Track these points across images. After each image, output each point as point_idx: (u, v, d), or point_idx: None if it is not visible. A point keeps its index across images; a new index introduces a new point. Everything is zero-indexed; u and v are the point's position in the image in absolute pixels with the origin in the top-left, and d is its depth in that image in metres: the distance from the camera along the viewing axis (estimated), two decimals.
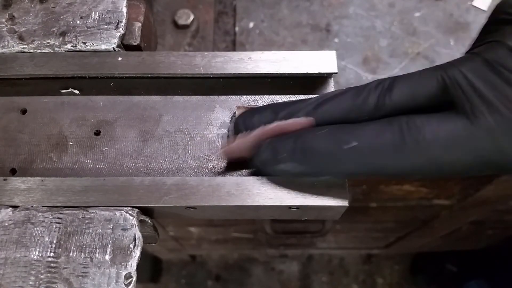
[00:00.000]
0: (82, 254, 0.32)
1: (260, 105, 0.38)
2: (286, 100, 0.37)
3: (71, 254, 0.32)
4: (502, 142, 0.26)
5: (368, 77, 0.65)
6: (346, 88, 0.32)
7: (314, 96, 0.34)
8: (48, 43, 0.38)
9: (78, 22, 0.38)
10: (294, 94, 0.38)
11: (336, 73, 0.37)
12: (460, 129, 0.27)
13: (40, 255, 0.32)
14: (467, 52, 0.31)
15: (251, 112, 0.35)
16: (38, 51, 0.38)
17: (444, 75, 0.29)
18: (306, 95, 0.38)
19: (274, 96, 0.38)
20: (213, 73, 0.36)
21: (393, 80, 0.31)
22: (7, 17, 0.39)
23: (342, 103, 0.32)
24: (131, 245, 0.32)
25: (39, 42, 0.38)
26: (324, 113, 0.32)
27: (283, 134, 0.32)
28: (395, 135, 0.28)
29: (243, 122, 0.35)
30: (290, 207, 0.33)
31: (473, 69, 0.28)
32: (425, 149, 0.28)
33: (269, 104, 0.36)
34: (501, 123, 0.26)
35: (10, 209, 0.34)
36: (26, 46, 0.38)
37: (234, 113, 0.38)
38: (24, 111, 0.39)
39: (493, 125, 0.26)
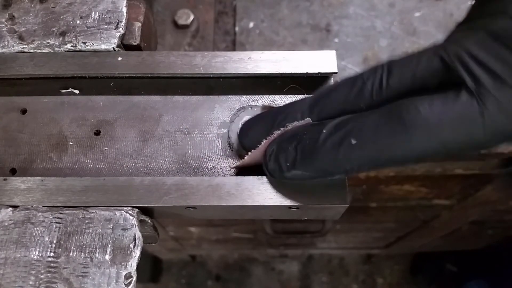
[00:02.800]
0: (82, 254, 0.32)
1: (260, 105, 0.38)
2: (284, 102, 0.37)
3: (71, 254, 0.32)
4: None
5: None
6: (340, 81, 0.32)
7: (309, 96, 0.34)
8: (48, 43, 0.38)
9: (78, 22, 0.38)
10: (294, 94, 0.38)
11: (336, 73, 0.36)
12: (468, 107, 0.26)
13: (40, 255, 0.32)
14: (462, 23, 0.29)
15: (251, 123, 0.35)
16: (38, 51, 0.38)
17: (445, 53, 0.27)
18: (306, 95, 0.38)
19: (274, 96, 0.38)
20: (213, 73, 0.36)
21: (390, 65, 0.29)
22: (7, 17, 0.39)
23: (338, 97, 0.31)
24: (131, 245, 0.32)
25: (39, 42, 0.38)
26: (321, 111, 0.31)
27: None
28: (397, 124, 0.27)
29: (246, 135, 0.35)
30: (290, 207, 0.33)
31: (477, 42, 0.26)
32: (432, 132, 0.26)
33: (267, 112, 0.36)
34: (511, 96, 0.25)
35: (10, 209, 0.34)
36: (26, 46, 0.38)
37: (235, 112, 0.38)
38: (24, 111, 0.39)
39: (503, 99, 0.25)
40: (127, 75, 0.37)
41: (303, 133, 0.31)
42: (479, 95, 0.26)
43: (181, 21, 0.65)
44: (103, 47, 0.38)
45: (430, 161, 0.68)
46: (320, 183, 0.33)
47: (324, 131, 0.30)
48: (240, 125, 0.37)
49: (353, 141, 0.28)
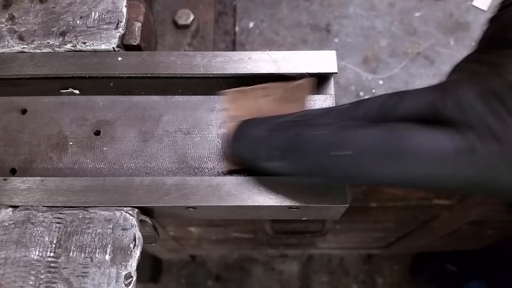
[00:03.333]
0: (82, 254, 0.32)
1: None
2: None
3: (71, 254, 0.32)
4: (497, 171, 0.26)
5: (368, 77, 0.65)
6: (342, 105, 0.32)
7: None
8: (48, 43, 0.38)
9: (78, 22, 0.38)
10: None
11: (336, 73, 0.37)
12: (459, 149, 0.26)
13: (40, 255, 0.32)
14: (470, 56, 0.30)
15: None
16: (38, 51, 0.38)
17: (449, 97, 0.28)
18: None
19: None
20: (213, 73, 0.36)
21: (398, 101, 0.30)
22: (7, 17, 0.39)
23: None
24: (131, 245, 0.32)
25: (39, 42, 0.38)
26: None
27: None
28: (395, 147, 0.27)
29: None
30: (290, 207, 0.33)
31: (479, 94, 0.27)
32: (420, 161, 0.27)
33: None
34: (500, 152, 0.25)
35: (10, 209, 0.34)
36: (26, 46, 0.38)
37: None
38: (24, 111, 0.39)
39: (493, 152, 0.26)
40: (127, 75, 0.37)
41: (299, 125, 0.30)
42: (473, 143, 0.26)
43: (181, 21, 0.65)
44: (103, 47, 0.38)
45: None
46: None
47: (320, 132, 0.29)
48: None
49: (346, 152, 0.28)
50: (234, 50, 0.67)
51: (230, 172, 0.36)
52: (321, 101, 0.38)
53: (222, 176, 0.36)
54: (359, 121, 0.30)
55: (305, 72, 0.36)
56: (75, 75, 0.37)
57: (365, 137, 0.28)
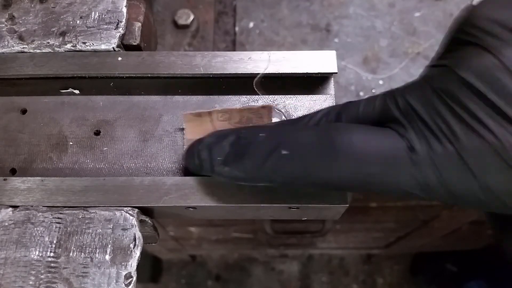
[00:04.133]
0: (82, 254, 0.32)
1: (260, 104, 0.38)
2: (283, 102, 0.37)
3: (71, 254, 0.32)
4: (440, 172, 0.25)
5: (368, 77, 0.65)
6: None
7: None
8: (48, 43, 0.38)
9: (78, 22, 0.38)
10: (294, 94, 0.38)
11: (336, 73, 0.37)
12: (397, 148, 0.26)
13: (40, 255, 0.32)
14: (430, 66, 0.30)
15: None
16: (38, 51, 0.38)
17: (392, 101, 0.28)
18: (305, 95, 0.38)
19: (273, 96, 0.38)
20: (213, 73, 0.36)
21: (339, 111, 0.31)
22: (7, 17, 0.39)
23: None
24: (131, 245, 0.32)
25: (39, 42, 0.38)
26: None
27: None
28: (328, 147, 0.27)
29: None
30: (290, 207, 0.33)
31: (423, 98, 0.27)
32: (358, 164, 0.27)
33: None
34: (442, 151, 0.25)
35: (10, 209, 0.34)
36: (26, 46, 0.38)
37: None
38: (24, 111, 0.39)
39: (433, 151, 0.25)
40: (127, 75, 0.37)
41: (243, 132, 0.31)
42: (413, 144, 0.26)
43: (181, 21, 0.65)
44: (103, 47, 0.38)
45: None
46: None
47: (261, 134, 0.30)
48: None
49: (284, 152, 0.28)
50: (234, 50, 0.67)
51: None
52: (321, 101, 0.38)
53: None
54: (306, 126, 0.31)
55: (305, 71, 0.36)
56: (75, 75, 0.37)
57: (302, 137, 0.28)
